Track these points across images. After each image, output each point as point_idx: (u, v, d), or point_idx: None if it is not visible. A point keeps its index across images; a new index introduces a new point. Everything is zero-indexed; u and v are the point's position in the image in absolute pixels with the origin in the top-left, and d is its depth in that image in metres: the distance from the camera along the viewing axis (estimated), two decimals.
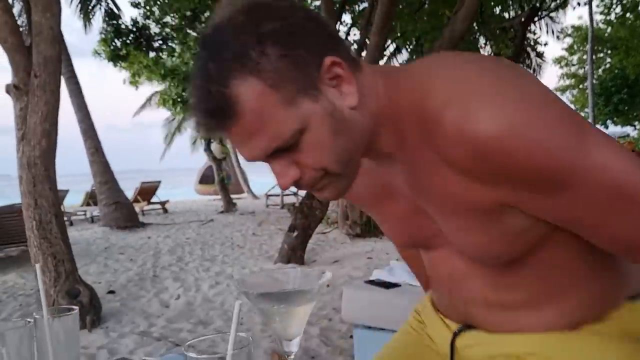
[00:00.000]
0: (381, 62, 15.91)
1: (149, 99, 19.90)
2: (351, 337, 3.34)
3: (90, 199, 14.61)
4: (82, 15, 12.83)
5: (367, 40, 10.22)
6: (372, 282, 2.80)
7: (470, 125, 0.68)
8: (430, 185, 0.80)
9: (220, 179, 15.65)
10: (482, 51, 16.55)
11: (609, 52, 22.76)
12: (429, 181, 0.80)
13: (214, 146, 15.71)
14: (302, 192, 12.24)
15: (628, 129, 25.71)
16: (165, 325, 4.45)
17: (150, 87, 16.01)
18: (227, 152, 16.50)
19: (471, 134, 0.68)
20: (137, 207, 13.56)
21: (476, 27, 13.76)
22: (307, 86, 0.72)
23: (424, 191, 0.83)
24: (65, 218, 6.23)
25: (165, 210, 15.30)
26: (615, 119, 24.08)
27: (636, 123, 24.31)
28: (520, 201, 0.74)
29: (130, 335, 4.22)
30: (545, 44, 24.90)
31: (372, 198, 0.99)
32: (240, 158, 21.31)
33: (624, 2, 18.20)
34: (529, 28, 13.00)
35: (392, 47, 16.71)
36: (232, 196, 16.83)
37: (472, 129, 0.68)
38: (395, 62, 18.30)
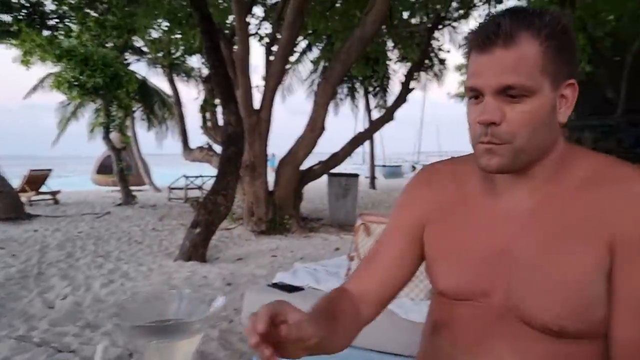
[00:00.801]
0: (291, 59, 15.88)
1: (42, 81, 18.50)
2: None
3: None
4: None
5: (277, 35, 10.10)
6: (274, 286, 2.69)
7: None
8: (559, 216, 0.92)
9: (120, 169, 14.84)
10: (389, 54, 16.99)
11: None
12: (563, 212, 0.91)
13: (113, 135, 14.86)
14: (207, 187, 11.88)
15: None
16: (47, 328, 4.07)
17: (44, 68, 14.85)
18: (127, 141, 15.67)
19: None
20: (23, 197, 12.51)
21: (385, 31, 14.08)
22: (556, 79, 0.90)
23: (547, 218, 0.92)
24: None
25: (56, 201, 14.26)
26: None
27: None
28: (620, 264, 0.88)
29: (5, 340, 3.81)
30: (448, 52, 26.08)
31: (465, 220, 1.01)
32: (142, 148, 20.46)
33: None
34: (433, 35, 13.49)
35: (303, 44, 16.72)
36: (133, 188, 16.02)
37: None
38: (307, 59, 18.36)
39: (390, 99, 16.86)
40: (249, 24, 9.86)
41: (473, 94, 0.92)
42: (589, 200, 0.90)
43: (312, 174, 10.17)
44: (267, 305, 0.76)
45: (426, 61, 15.32)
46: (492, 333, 0.94)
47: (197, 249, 6.60)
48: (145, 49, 15.70)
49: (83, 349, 3.61)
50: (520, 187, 0.95)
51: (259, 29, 11.33)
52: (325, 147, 11.06)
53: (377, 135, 24.59)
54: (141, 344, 0.63)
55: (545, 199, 0.94)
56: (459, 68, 27.24)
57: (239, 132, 6.98)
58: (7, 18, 11.58)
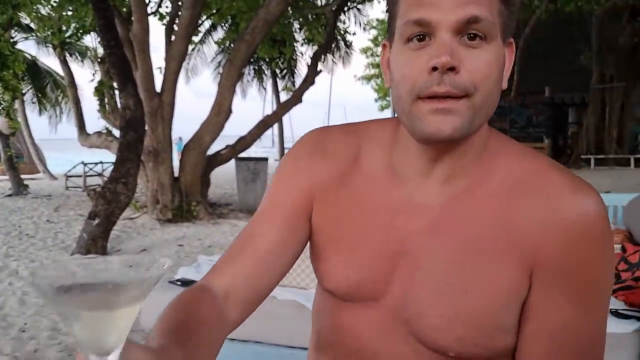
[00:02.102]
0: (195, 39, 15.34)
1: None
2: None
3: None
4: None
5: (179, 14, 9.66)
6: (177, 282, 2.54)
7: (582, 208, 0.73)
8: (474, 222, 0.76)
9: (8, 157, 13.70)
10: (296, 36, 16.90)
11: None
12: (479, 220, 0.76)
13: (0, 120, 13.67)
14: (108, 174, 11.26)
15: None
16: None
17: None
18: (16, 126, 14.45)
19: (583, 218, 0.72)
20: None
21: (291, 12, 13.94)
22: (505, 30, 0.74)
23: (460, 222, 0.76)
24: None
25: None
26: None
27: None
28: (538, 292, 0.75)
29: None
30: (354, 34, 26.41)
31: (361, 210, 0.82)
32: (34, 133, 19.04)
33: None
34: (339, 17, 13.55)
35: (207, 24, 16.20)
36: (24, 177, 14.86)
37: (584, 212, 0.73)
38: (211, 40, 17.83)
39: (298, 81, 16.81)
40: (146, 2, 9.34)
41: (418, 31, 0.70)
42: (509, 209, 0.75)
43: (219, 158, 9.92)
44: None
45: (332, 43, 15.40)
46: (379, 350, 0.80)
47: (96, 242, 6.21)
48: (33, 26, 14.51)
49: None
50: (436, 173, 0.78)
51: (159, 6, 10.79)
52: (233, 130, 10.83)
53: (286, 118, 24.52)
54: (70, 312, 0.49)
55: (459, 195, 0.77)
56: (364, 50, 27.72)
57: (138, 117, 6.61)
58: None
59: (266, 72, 21.34)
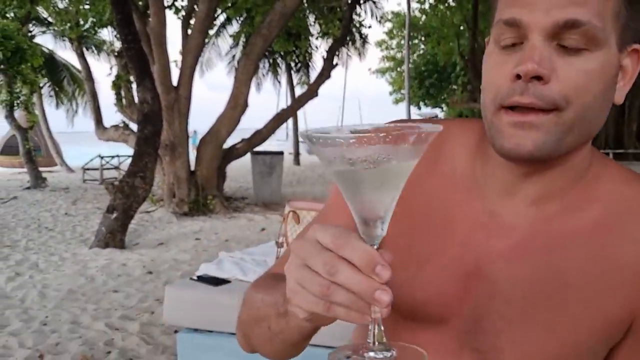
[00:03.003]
0: (210, 32, 15.34)
1: None
2: (176, 331, 3.05)
3: None
4: None
5: (195, 7, 9.66)
6: (199, 279, 2.53)
7: None
8: (568, 252, 0.67)
9: (27, 150, 13.83)
10: (311, 29, 16.83)
11: (423, 39, 24.74)
12: (573, 249, 0.67)
13: (19, 113, 13.80)
14: (125, 167, 11.33)
15: (437, 111, 28.46)
16: None
17: None
18: (34, 120, 14.60)
19: None
20: None
21: (306, 5, 13.89)
22: (624, 37, 0.64)
23: (551, 249, 0.67)
24: None
25: None
26: (427, 101, 26.50)
27: (443, 105, 26.96)
28: (634, 342, 0.67)
29: None
30: (369, 27, 26.27)
31: (437, 225, 0.73)
32: (52, 126, 19.21)
33: None
34: (355, 10, 13.45)
35: (222, 18, 16.20)
36: (42, 169, 15.01)
37: None
38: (225, 33, 17.83)
39: (313, 75, 16.75)
40: None
41: (509, 34, 0.63)
42: (611, 242, 0.66)
43: (235, 152, 9.93)
44: (341, 232, 0.51)
45: (348, 37, 15.30)
46: None
47: (114, 235, 6.26)
48: (51, 20, 14.62)
49: None
50: (524, 191, 0.69)
51: (175, 0, 10.80)
52: (248, 124, 10.83)
53: (300, 111, 24.53)
54: (353, 169, 0.50)
55: (552, 218, 0.68)
56: (379, 44, 27.54)
57: (155, 111, 6.62)
58: None
59: (281, 65, 21.31)
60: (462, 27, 20.86)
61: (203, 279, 2.51)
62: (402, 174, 0.51)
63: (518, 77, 0.61)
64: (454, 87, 25.26)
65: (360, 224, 0.52)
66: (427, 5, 21.27)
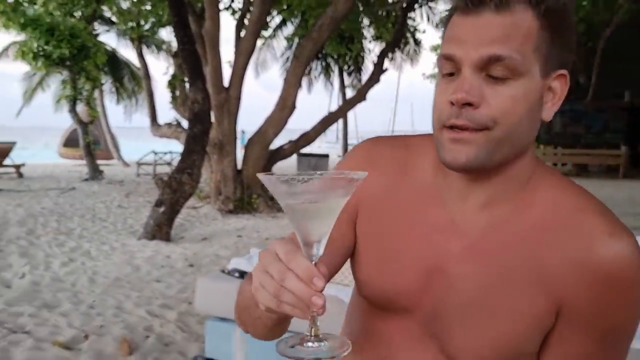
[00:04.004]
0: (265, 34, 15.65)
1: (6, 49, 17.88)
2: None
3: None
4: None
5: (250, 9, 9.91)
6: (229, 272, 2.68)
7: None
8: (510, 252, 0.79)
9: (86, 143, 14.52)
10: (365, 32, 16.88)
11: None
12: (514, 250, 0.78)
13: (80, 108, 14.50)
14: (176, 163, 11.73)
15: None
16: (3, 308, 3.99)
17: (7, 36, 14.33)
18: (95, 115, 15.31)
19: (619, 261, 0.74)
20: None
21: (360, 8, 13.95)
22: (547, 65, 0.76)
23: (497, 250, 0.80)
24: None
25: (20, 175, 13.92)
26: None
27: None
28: (562, 328, 0.78)
29: None
30: (424, 32, 26.01)
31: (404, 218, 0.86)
32: (111, 121, 20.03)
33: None
34: (409, 15, 13.42)
35: (277, 19, 16.49)
36: (100, 162, 15.73)
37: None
38: (280, 35, 18.13)
39: (365, 78, 16.81)
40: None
41: (448, 66, 0.76)
42: (544, 245, 0.77)
43: (281, 153, 10.12)
44: (291, 249, 0.64)
45: (401, 41, 15.27)
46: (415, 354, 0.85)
47: (161, 228, 6.54)
48: (114, 19, 15.27)
49: (38, 330, 3.55)
50: (474, 197, 0.81)
51: (232, 1, 11.11)
52: (297, 124, 11.01)
53: (350, 113, 24.54)
54: (293, 203, 0.65)
55: (499, 223, 0.80)
56: (434, 48, 27.26)
57: (205, 110, 6.87)
58: None
59: (333, 68, 21.46)
60: None
61: (233, 272, 2.66)
62: (336, 208, 0.65)
63: (452, 103, 0.74)
64: None
65: (303, 246, 0.65)
66: None
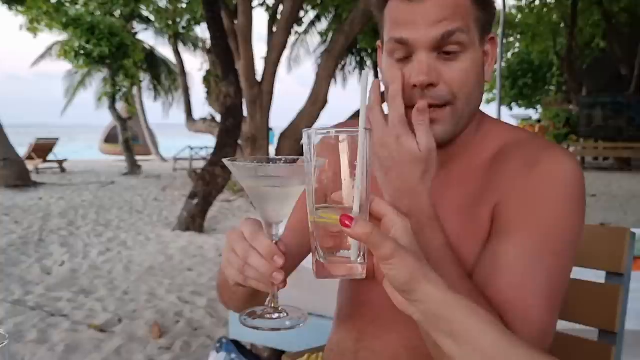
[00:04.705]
0: (299, 29, 15.73)
1: (50, 49, 18.52)
2: None
3: None
4: None
5: (282, 4, 9.99)
6: None
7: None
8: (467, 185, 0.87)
9: (125, 139, 14.94)
10: None
11: (519, 36, 23.75)
12: (470, 182, 0.87)
13: (120, 105, 14.93)
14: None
15: (530, 112, 27.26)
16: (43, 293, 4.19)
17: (52, 36, 14.86)
18: (133, 111, 15.74)
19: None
20: (30, 165, 12.68)
21: None
22: (483, 31, 0.83)
23: (456, 196, 0.87)
24: None
25: (63, 170, 14.44)
26: (519, 101, 25.41)
27: (538, 107, 25.75)
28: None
29: (1, 303, 3.94)
30: None
31: None
32: (149, 118, 20.50)
33: None
34: None
35: (312, 15, 16.54)
36: (139, 158, 16.16)
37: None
38: (314, 30, 18.18)
39: None
40: None
41: (400, 51, 0.81)
42: (497, 170, 0.86)
43: None
44: (255, 229, 0.69)
45: None
46: (393, 318, 0.84)
47: (194, 220, 6.69)
48: (152, 17, 15.63)
49: (75, 314, 3.72)
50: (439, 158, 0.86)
51: None
52: (331, 120, 11.04)
53: (385, 106, 24.34)
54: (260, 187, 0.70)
55: (458, 173, 0.89)
56: None
57: (237, 104, 6.99)
58: None
59: (367, 63, 21.39)
60: (561, 25, 19.91)
61: None
62: (296, 194, 0.70)
63: (415, 85, 0.80)
64: (550, 87, 24.09)
65: (266, 226, 0.71)
66: (523, 2, 20.46)
